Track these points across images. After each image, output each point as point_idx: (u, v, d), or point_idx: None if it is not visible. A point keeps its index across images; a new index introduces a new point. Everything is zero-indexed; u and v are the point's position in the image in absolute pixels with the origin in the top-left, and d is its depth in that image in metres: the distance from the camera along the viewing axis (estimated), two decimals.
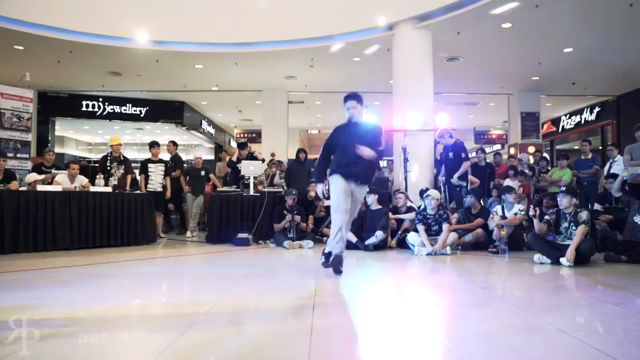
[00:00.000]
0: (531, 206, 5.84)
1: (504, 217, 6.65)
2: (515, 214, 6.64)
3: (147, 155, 8.81)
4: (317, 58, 11.00)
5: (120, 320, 2.79)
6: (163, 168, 8.48)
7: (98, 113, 14.77)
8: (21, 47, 10.22)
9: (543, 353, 2.21)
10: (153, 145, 8.56)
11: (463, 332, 2.61)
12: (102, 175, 7.54)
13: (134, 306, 3.20)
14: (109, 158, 7.90)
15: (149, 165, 8.42)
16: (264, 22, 9.93)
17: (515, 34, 9.33)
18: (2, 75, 11.40)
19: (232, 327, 2.66)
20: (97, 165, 8.13)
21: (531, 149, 13.21)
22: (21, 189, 6.52)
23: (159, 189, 8.33)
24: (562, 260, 5.15)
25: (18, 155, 9.13)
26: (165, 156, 9.04)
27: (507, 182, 8.43)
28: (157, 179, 8.40)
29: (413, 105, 8.81)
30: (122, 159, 8.05)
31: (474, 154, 11.95)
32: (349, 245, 6.85)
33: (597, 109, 15.06)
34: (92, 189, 7.01)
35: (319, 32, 9.90)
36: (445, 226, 6.34)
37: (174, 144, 9.24)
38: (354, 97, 4.70)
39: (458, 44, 9.98)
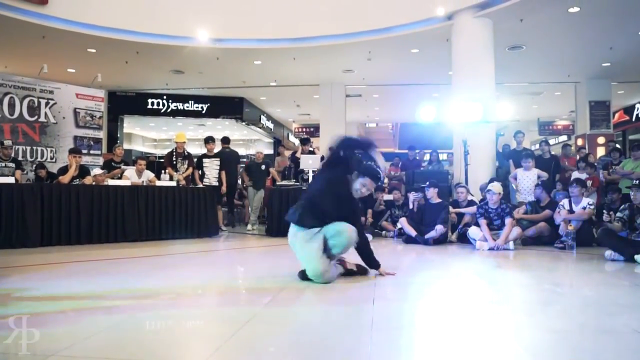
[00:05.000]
0: (604, 211, 5.52)
1: (571, 211, 6.34)
2: (584, 208, 6.31)
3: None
4: (375, 51, 10.89)
5: (187, 309, 2.88)
6: (218, 162, 8.66)
7: (162, 110, 15.31)
8: (94, 50, 10.75)
9: (617, 356, 2.09)
10: (208, 140, 8.73)
11: (530, 329, 2.50)
12: (171, 170, 7.81)
13: (196, 293, 3.29)
14: (174, 153, 8.16)
15: (204, 160, 8.59)
16: (321, 16, 9.93)
17: (583, 18, 8.82)
18: (78, 77, 12.06)
19: (290, 318, 2.69)
20: (163, 160, 8.39)
21: (601, 140, 12.50)
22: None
23: (215, 184, 8.49)
24: (638, 257, 4.84)
25: (91, 151, 9.64)
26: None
27: (576, 174, 8.02)
28: (212, 173, 8.58)
29: (473, 97, 8.55)
30: (186, 154, 8.29)
31: (537, 146, 11.48)
32: (409, 240, 6.79)
33: None
34: (158, 183, 7.30)
35: (377, 25, 9.78)
36: (507, 220, 6.13)
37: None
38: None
39: (521, 32, 9.56)
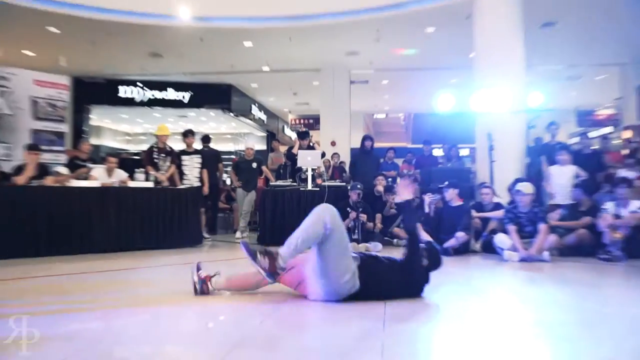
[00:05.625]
0: None
1: (617, 216, 6.28)
2: (634, 212, 6.26)
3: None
4: (384, 30, 10.85)
5: (167, 331, 2.83)
6: (200, 160, 8.63)
7: (137, 100, 15.31)
8: (56, 30, 10.72)
9: None
10: (187, 134, 8.69)
11: (570, 358, 2.45)
12: (151, 169, 7.77)
13: (171, 317, 3.24)
14: (155, 150, 8.12)
15: (183, 157, 8.53)
16: None
17: None
18: (36, 60, 12.04)
19: (288, 341, 2.63)
20: (143, 157, 8.32)
21: None
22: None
23: (197, 184, 8.43)
24: None
25: (53, 147, 9.60)
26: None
27: (622, 172, 7.95)
28: (193, 172, 8.53)
29: (500, 82, 8.50)
30: (168, 150, 8.21)
31: (576, 139, 11.44)
32: None
33: None
34: (132, 184, 7.25)
35: (386, 0, 9.76)
36: (541, 226, 6.08)
37: None
38: None
39: (554, 6, 9.53)
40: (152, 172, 7.75)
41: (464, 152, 11.27)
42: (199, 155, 8.71)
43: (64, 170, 7.50)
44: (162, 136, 8.15)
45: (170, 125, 19.74)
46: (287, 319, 3.14)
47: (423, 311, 3.47)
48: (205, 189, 8.59)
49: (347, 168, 11.96)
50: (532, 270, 5.41)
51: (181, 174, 8.37)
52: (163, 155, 8.07)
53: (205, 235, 8.51)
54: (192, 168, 8.54)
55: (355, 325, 3.00)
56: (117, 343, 2.57)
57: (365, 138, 9.28)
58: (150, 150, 8.14)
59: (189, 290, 3.68)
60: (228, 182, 11.73)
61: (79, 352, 2.37)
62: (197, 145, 9.10)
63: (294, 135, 20.03)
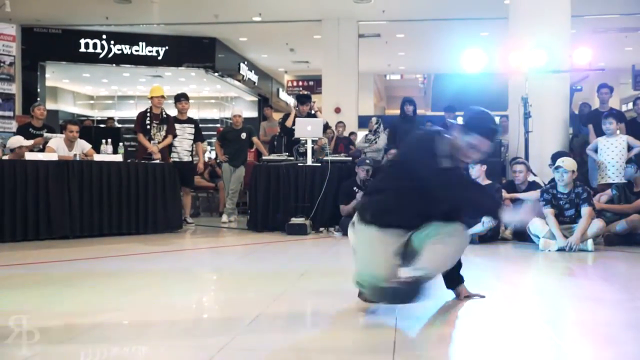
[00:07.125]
0: None
1: None
2: None
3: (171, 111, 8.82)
4: None
5: (133, 333, 2.90)
6: (192, 130, 8.67)
7: (101, 55, 15.21)
8: None
9: None
10: (180, 98, 8.67)
11: None
12: (142, 137, 7.88)
13: (151, 314, 3.30)
14: (148, 115, 8.09)
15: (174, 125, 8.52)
16: None
17: None
18: None
19: (285, 342, 2.70)
20: (134, 124, 8.33)
21: None
22: (4, 157, 6.83)
23: (186, 159, 8.51)
24: None
25: (0, 112, 9.57)
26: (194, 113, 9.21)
27: None
28: (184, 145, 8.58)
29: (539, 36, 8.47)
30: (164, 116, 8.21)
31: (629, 106, 11.42)
32: None
33: None
34: (97, 157, 7.27)
35: None
36: (585, 210, 6.11)
37: None
38: None
39: None
40: (144, 142, 7.83)
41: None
42: (192, 125, 8.73)
43: (22, 140, 7.48)
44: (155, 98, 8.13)
45: (142, 87, 19.76)
46: (284, 318, 3.19)
47: (441, 308, 3.53)
48: (201, 165, 8.80)
49: (357, 140, 11.96)
50: (573, 262, 5.46)
51: (170, 145, 8.43)
52: (157, 122, 8.09)
53: (189, 220, 8.56)
54: (183, 140, 8.54)
55: (366, 321, 3.06)
56: (87, 342, 2.63)
57: (405, 101, 9.29)
58: (143, 115, 8.15)
59: (167, 283, 3.72)
60: (212, 156, 11.75)
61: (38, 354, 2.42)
62: (191, 112, 9.13)
63: (290, 100, 19.98)
